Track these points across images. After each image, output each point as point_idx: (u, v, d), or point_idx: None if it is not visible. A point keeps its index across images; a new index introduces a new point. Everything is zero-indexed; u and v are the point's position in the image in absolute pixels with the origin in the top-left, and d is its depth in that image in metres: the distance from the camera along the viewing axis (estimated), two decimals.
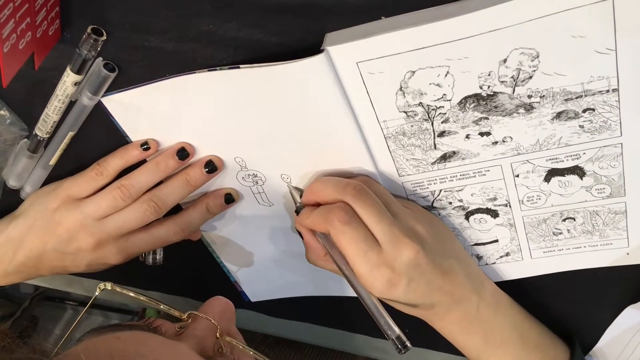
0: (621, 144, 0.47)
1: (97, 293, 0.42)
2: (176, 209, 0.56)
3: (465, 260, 0.52)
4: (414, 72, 0.44)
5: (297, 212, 0.52)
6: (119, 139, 0.53)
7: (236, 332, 0.45)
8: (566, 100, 0.44)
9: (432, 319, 0.52)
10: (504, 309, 0.54)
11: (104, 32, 0.46)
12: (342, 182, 0.48)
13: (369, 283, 0.47)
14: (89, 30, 0.46)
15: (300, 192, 0.53)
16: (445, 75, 0.44)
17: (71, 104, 0.51)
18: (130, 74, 0.49)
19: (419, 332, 0.54)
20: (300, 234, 0.52)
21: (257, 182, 0.55)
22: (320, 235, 0.50)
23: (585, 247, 0.54)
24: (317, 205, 0.50)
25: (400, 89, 0.45)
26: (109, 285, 0.42)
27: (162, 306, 0.43)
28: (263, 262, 0.63)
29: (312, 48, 0.44)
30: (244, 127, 0.50)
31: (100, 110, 0.51)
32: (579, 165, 0.48)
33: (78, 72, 0.47)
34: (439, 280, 0.49)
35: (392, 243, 0.46)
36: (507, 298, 0.55)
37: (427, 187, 0.52)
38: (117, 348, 0.35)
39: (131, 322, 0.43)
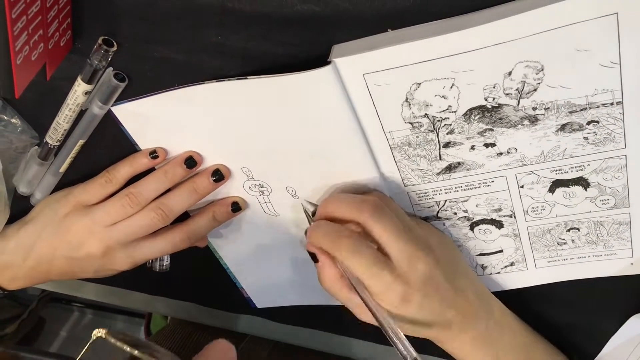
0: (625, 155, 0.47)
1: (93, 339, 0.41)
2: (184, 217, 0.56)
3: (474, 279, 0.53)
4: (419, 84, 0.44)
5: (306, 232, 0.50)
6: (128, 148, 0.54)
7: None
8: (570, 112, 0.45)
9: (445, 339, 0.51)
10: (511, 326, 0.55)
11: (115, 43, 0.47)
12: (357, 200, 0.48)
13: (384, 300, 0.47)
14: (99, 41, 0.46)
15: (314, 208, 0.52)
16: (451, 87, 0.44)
17: (81, 113, 0.51)
18: (140, 83, 0.50)
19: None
20: (312, 257, 0.50)
21: (263, 192, 0.55)
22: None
23: (589, 257, 0.54)
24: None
25: (406, 100, 0.45)
26: (102, 334, 0.40)
27: (157, 354, 0.41)
28: (269, 270, 0.64)
29: (320, 59, 0.44)
30: (251, 137, 0.50)
31: (110, 119, 0.52)
32: (584, 176, 0.49)
33: (89, 82, 0.48)
34: (452, 297, 0.49)
35: (407, 259, 0.47)
36: (513, 315, 0.56)
37: (433, 198, 0.52)
38: None
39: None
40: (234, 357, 0.43)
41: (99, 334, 0.38)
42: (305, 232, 0.51)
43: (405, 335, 0.46)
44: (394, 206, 0.50)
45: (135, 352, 0.37)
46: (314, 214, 0.52)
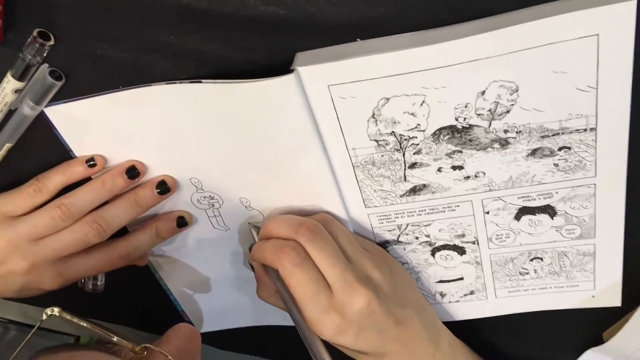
0: (595, 184, 0.45)
1: (43, 318, 0.38)
2: (122, 232, 0.52)
3: (423, 309, 0.51)
4: (388, 99, 0.41)
5: (250, 249, 0.50)
6: (61, 154, 0.49)
7: None
8: (543, 137, 0.43)
9: None
10: (461, 359, 0.53)
11: (52, 37, 0.42)
12: (296, 221, 0.47)
13: (317, 327, 0.45)
14: (35, 33, 0.42)
15: (259, 229, 0.50)
16: (421, 105, 0.42)
17: (10, 113, 0.46)
18: (79, 83, 0.45)
19: None
20: (252, 268, 0.51)
21: (213, 205, 0.51)
22: (271, 271, 0.48)
23: (551, 287, 0.53)
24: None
25: (373, 116, 0.42)
26: (56, 311, 0.38)
27: (115, 338, 0.39)
28: (215, 289, 0.60)
29: (281, 67, 0.41)
30: (203, 146, 0.47)
31: (41, 121, 0.47)
32: (551, 204, 0.47)
33: (20, 79, 0.43)
34: (393, 330, 0.47)
35: (344, 289, 0.45)
36: (464, 347, 0.54)
37: (394, 221, 0.49)
38: None
39: (88, 344, 0.39)
40: (198, 344, 0.41)
41: (53, 312, 0.38)
42: (250, 249, 0.50)
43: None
44: (339, 229, 0.48)
45: (95, 329, 0.39)
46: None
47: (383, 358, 0.48)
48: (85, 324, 0.41)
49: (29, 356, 0.41)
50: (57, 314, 0.40)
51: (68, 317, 0.40)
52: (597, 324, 0.55)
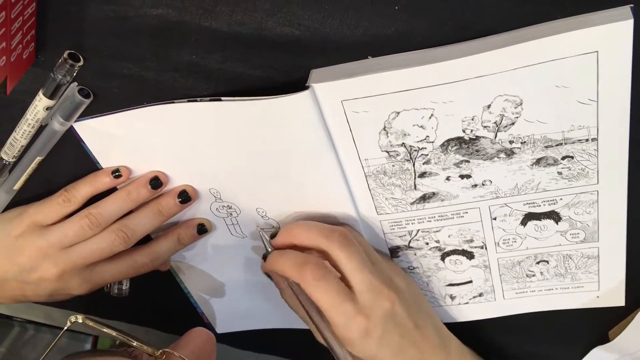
0: (597, 191, 0.47)
1: (68, 325, 0.40)
2: (145, 239, 0.54)
3: (433, 316, 0.53)
4: (398, 113, 0.43)
5: (265, 257, 0.51)
6: (88, 165, 0.51)
7: None
8: (546, 147, 0.45)
9: None
10: None
11: (81, 58, 0.44)
12: (327, 228, 0.48)
13: (344, 333, 0.47)
14: (65, 55, 0.44)
15: (272, 234, 0.51)
16: (430, 118, 0.44)
17: (40, 128, 0.48)
18: (106, 101, 0.47)
19: None
20: (268, 275, 0.52)
21: (231, 214, 0.54)
22: (291, 282, 0.49)
23: (557, 289, 0.55)
24: (292, 247, 0.49)
25: (384, 128, 0.45)
26: (80, 318, 0.40)
27: (135, 343, 0.41)
28: (233, 293, 0.62)
29: (297, 84, 0.43)
30: (222, 159, 0.49)
31: (70, 136, 0.49)
32: (556, 210, 0.49)
33: (51, 97, 0.45)
34: (412, 334, 0.48)
35: (371, 292, 0.46)
36: (471, 353, 0.56)
37: (405, 227, 0.51)
38: None
39: (111, 349, 0.41)
40: (214, 347, 0.43)
41: (76, 319, 0.40)
42: (264, 257, 0.51)
43: None
44: (361, 240, 0.51)
45: (114, 333, 0.40)
46: (272, 236, 0.51)
47: None
48: (107, 330, 0.42)
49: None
50: (81, 321, 0.42)
51: (91, 323, 0.42)
52: (602, 323, 0.57)
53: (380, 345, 0.47)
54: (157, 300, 0.65)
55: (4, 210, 0.54)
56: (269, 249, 0.51)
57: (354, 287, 0.47)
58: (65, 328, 0.40)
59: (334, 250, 0.47)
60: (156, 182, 0.51)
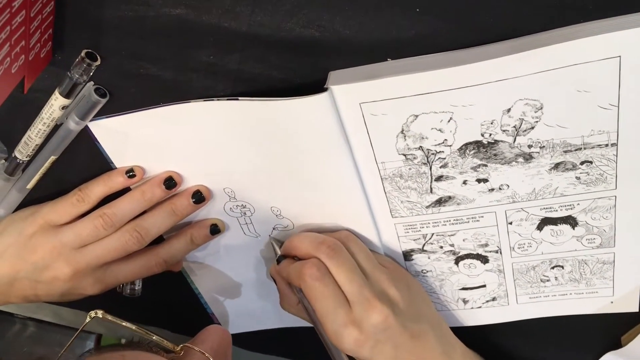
0: (615, 196, 0.47)
1: (87, 320, 0.41)
2: (157, 239, 0.54)
3: (437, 324, 0.52)
4: (417, 116, 0.43)
5: (278, 261, 0.52)
6: (102, 166, 0.51)
7: None
8: (565, 151, 0.44)
9: None
10: None
11: (98, 57, 0.44)
12: (317, 239, 0.49)
13: (337, 340, 0.48)
14: (82, 54, 0.44)
15: (281, 243, 0.53)
16: (448, 121, 0.43)
17: (55, 127, 0.48)
18: (122, 100, 0.47)
19: None
20: (274, 280, 0.54)
21: (245, 213, 0.53)
22: (295, 288, 0.51)
23: (571, 294, 0.54)
24: (296, 257, 0.51)
25: (402, 131, 0.44)
26: (100, 313, 0.40)
27: (154, 337, 0.41)
28: (244, 293, 0.62)
29: (315, 85, 0.43)
30: (237, 159, 0.48)
31: (85, 135, 0.49)
32: (572, 215, 0.49)
33: (67, 96, 0.45)
34: (408, 344, 0.48)
35: (361, 304, 0.47)
36: (477, 358, 0.55)
37: (420, 230, 0.51)
38: None
39: (131, 342, 0.42)
40: (230, 344, 0.43)
41: (97, 315, 0.40)
42: (278, 261, 0.52)
43: None
44: (358, 248, 0.51)
45: (134, 328, 0.41)
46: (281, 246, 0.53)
47: None
48: (126, 325, 0.43)
49: (76, 356, 0.43)
50: (101, 316, 0.42)
51: (110, 318, 0.42)
52: (615, 329, 0.56)
53: (373, 355, 0.48)
54: (166, 300, 0.65)
55: (16, 209, 0.54)
56: (280, 255, 0.52)
57: (348, 297, 0.48)
58: (86, 323, 0.40)
59: (324, 260, 0.48)
60: (170, 182, 0.50)
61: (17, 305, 0.71)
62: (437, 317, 0.53)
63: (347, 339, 0.47)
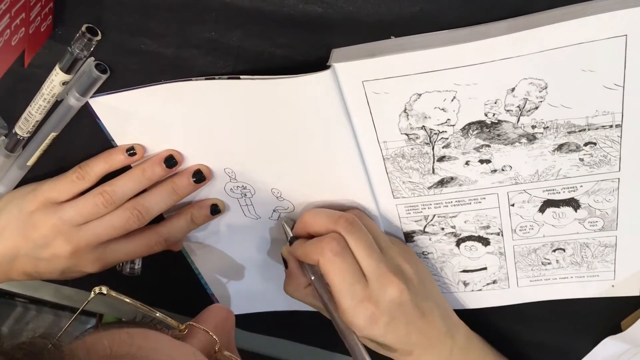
0: (618, 179, 0.47)
1: (91, 296, 0.40)
2: (157, 219, 0.54)
3: (442, 303, 0.52)
4: (420, 94, 0.43)
5: (291, 243, 0.51)
6: (103, 142, 0.51)
7: (234, 346, 0.43)
8: (569, 132, 0.44)
9: None
10: (477, 352, 0.54)
11: (99, 32, 0.44)
12: (335, 214, 0.49)
13: (351, 317, 0.47)
14: (83, 28, 0.43)
15: (293, 223, 0.52)
16: (452, 100, 0.43)
17: (56, 104, 0.48)
18: (123, 77, 0.47)
19: None
20: (285, 263, 0.53)
21: (245, 195, 0.53)
22: (307, 266, 0.50)
23: (572, 277, 0.54)
24: (309, 237, 0.50)
25: (405, 110, 0.44)
26: (104, 289, 0.40)
27: (157, 314, 0.41)
28: (245, 274, 0.61)
29: (317, 63, 0.43)
30: (238, 138, 0.48)
31: (86, 112, 0.49)
32: (575, 197, 0.48)
33: (67, 72, 0.45)
34: (418, 322, 0.49)
35: (378, 279, 0.47)
36: (479, 339, 0.55)
37: (421, 212, 0.51)
38: (132, 342, 0.33)
39: (134, 320, 0.42)
40: (233, 323, 0.43)
41: (101, 291, 0.39)
42: (290, 242, 0.52)
43: (367, 350, 0.48)
44: (371, 225, 0.50)
45: (138, 305, 0.40)
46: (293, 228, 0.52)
47: (410, 354, 0.50)
48: (130, 301, 0.42)
49: (79, 332, 0.43)
50: (105, 292, 0.42)
51: (114, 294, 0.42)
52: (615, 313, 0.56)
53: (385, 332, 0.47)
54: (166, 280, 0.64)
55: (17, 186, 0.54)
56: (291, 236, 0.52)
57: (365, 272, 0.47)
58: (90, 298, 0.39)
59: (343, 234, 0.47)
60: (171, 161, 0.50)
61: (19, 284, 0.71)
62: (442, 297, 0.53)
63: (362, 315, 0.47)
